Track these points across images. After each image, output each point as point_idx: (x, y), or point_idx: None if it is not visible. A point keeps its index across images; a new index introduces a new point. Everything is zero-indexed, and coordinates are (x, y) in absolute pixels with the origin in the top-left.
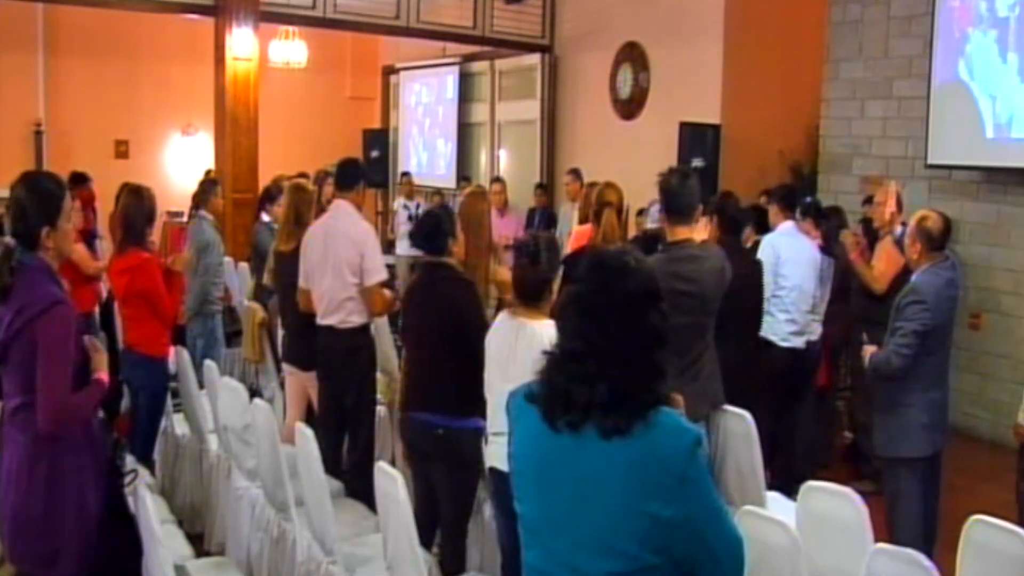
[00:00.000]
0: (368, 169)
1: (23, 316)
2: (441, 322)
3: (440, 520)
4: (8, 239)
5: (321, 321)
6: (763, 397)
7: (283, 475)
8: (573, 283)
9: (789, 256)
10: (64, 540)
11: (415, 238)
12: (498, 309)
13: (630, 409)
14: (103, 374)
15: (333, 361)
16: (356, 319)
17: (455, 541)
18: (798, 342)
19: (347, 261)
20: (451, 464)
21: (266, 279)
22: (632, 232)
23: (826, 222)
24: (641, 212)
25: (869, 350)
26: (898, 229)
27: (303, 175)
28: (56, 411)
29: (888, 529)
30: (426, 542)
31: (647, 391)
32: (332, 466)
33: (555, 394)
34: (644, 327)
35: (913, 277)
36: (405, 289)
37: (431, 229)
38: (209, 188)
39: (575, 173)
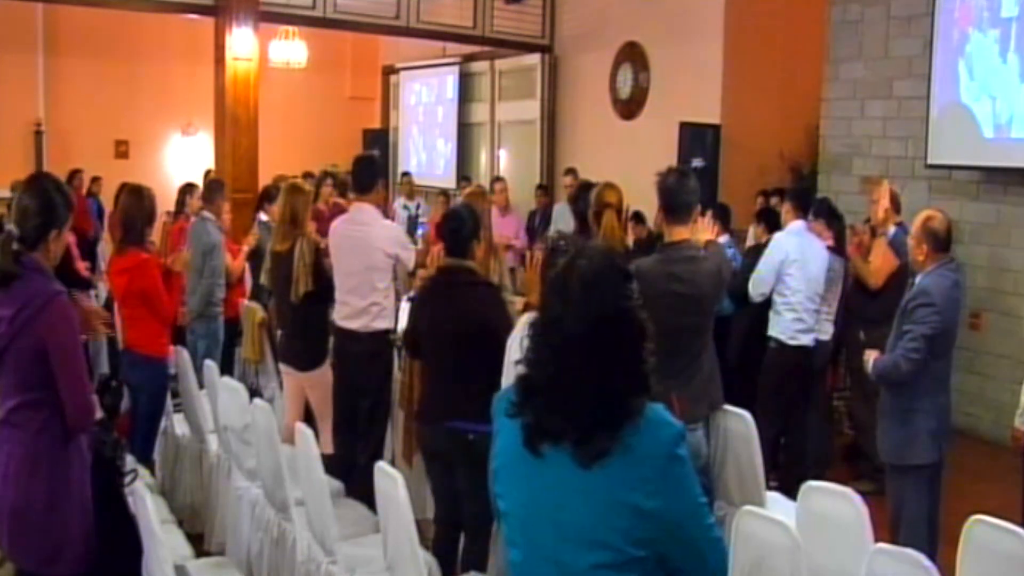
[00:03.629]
0: (382, 163)
1: (24, 313)
2: (467, 328)
3: (464, 523)
4: (11, 227)
5: (342, 324)
6: (773, 397)
7: (283, 475)
8: (540, 305)
9: (797, 256)
10: (67, 536)
11: (440, 234)
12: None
13: (605, 434)
14: None
15: (353, 364)
16: (379, 324)
17: (480, 541)
18: (807, 340)
19: (377, 269)
20: (478, 468)
21: (263, 279)
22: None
23: (838, 222)
24: (636, 217)
25: (872, 355)
26: (891, 230)
27: (308, 175)
28: (86, 409)
29: (892, 534)
30: (452, 547)
31: (622, 412)
32: (346, 468)
33: (530, 425)
34: (615, 349)
35: (919, 279)
36: (420, 295)
37: (455, 228)
38: (216, 189)
39: (574, 173)
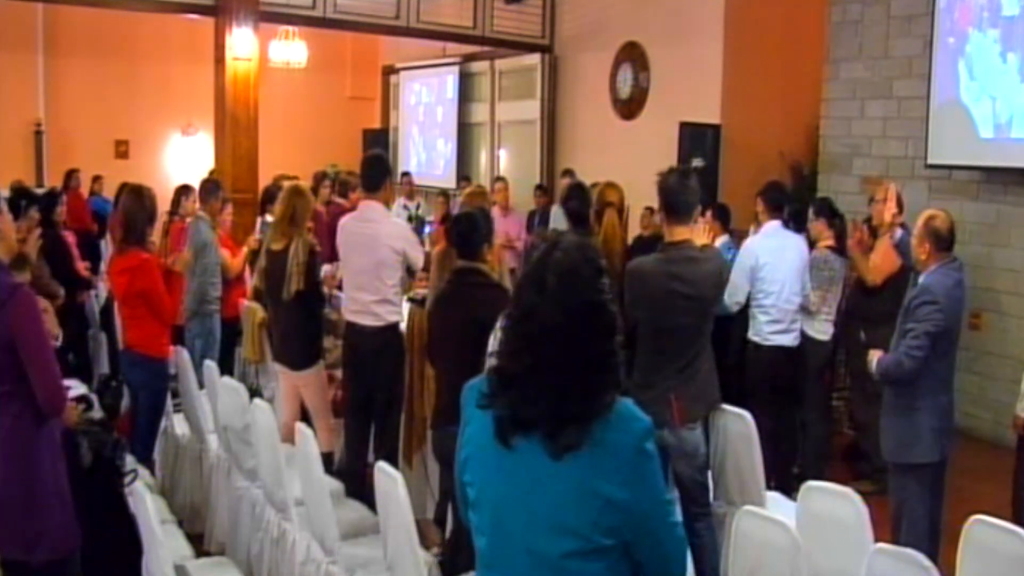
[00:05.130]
0: (390, 162)
1: None
2: (474, 331)
3: (455, 524)
4: None
5: (351, 319)
6: (755, 397)
7: (283, 475)
8: (514, 297)
9: (769, 259)
10: (46, 524)
11: (450, 237)
12: None
13: (578, 426)
14: None
15: (363, 359)
16: (388, 318)
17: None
18: (785, 340)
19: (386, 265)
20: None
21: (255, 278)
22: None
23: (839, 222)
24: (651, 211)
25: (876, 355)
26: (898, 232)
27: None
28: (58, 394)
29: (894, 533)
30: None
31: (595, 404)
32: (360, 463)
33: (502, 416)
34: (591, 339)
35: (922, 278)
36: (433, 298)
37: (467, 231)
38: (211, 189)
39: (571, 174)
